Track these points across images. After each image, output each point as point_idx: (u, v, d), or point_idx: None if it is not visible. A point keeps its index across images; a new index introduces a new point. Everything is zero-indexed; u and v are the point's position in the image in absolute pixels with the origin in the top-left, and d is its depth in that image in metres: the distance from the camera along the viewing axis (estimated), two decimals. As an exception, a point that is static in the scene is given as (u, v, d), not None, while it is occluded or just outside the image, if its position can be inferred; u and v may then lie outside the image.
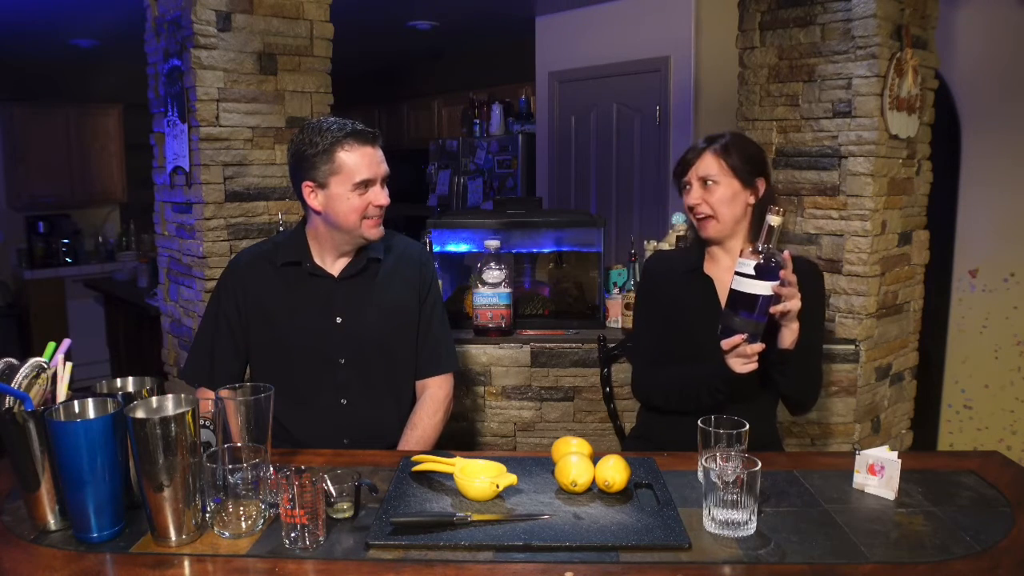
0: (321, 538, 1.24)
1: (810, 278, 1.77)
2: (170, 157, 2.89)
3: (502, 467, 1.43)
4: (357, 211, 1.77)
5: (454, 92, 6.31)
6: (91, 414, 1.27)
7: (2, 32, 5.01)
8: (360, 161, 1.76)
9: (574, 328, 2.75)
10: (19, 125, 5.89)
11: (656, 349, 1.90)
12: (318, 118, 1.94)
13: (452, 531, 1.26)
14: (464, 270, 3.06)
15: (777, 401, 1.90)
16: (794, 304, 1.63)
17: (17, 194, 6.02)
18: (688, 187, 1.83)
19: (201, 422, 1.33)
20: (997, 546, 1.23)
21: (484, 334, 2.66)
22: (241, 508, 1.25)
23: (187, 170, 2.77)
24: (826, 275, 2.46)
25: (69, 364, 1.34)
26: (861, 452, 1.46)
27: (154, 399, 1.31)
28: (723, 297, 1.77)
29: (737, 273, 1.61)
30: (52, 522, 1.28)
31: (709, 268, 1.86)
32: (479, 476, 1.39)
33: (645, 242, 2.85)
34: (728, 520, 1.25)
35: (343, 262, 1.88)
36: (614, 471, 1.38)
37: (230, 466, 1.25)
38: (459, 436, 2.64)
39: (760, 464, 1.25)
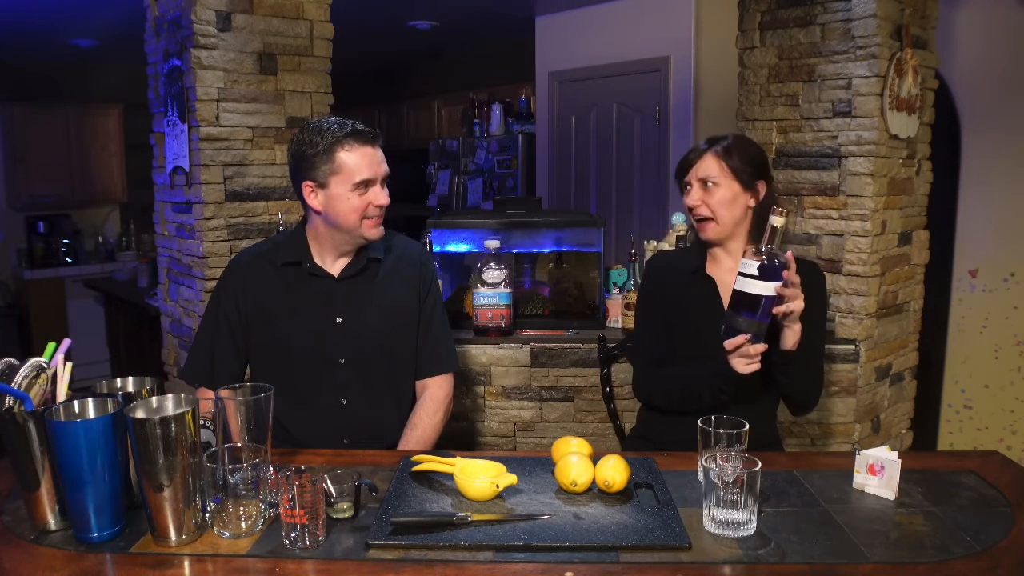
0: (321, 538, 1.24)
1: (812, 279, 1.78)
2: (170, 157, 2.89)
3: (502, 467, 1.43)
4: (357, 211, 1.78)
5: (454, 92, 6.31)
6: (91, 414, 1.27)
7: (2, 32, 5.01)
8: (360, 161, 1.76)
9: (574, 328, 2.75)
10: (19, 125, 5.89)
11: (658, 349, 1.90)
12: (318, 118, 1.94)
13: (452, 531, 1.26)
14: (464, 270, 3.06)
15: (778, 401, 1.91)
16: (797, 305, 1.63)
17: (17, 194, 6.02)
18: (689, 188, 1.83)
19: (201, 422, 1.33)
20: (997, 546, 1.23)
21: (484, 334, 2.66)
22: (241, 508, 1.25)
23: (187, 170, 2.77)
24: (826, 275, 2.46)
25: (69, 364, 1.34)
26: (861, 452, 1.46)
27: (154, 399, 1.31)
28: (725, 298, 1.77)
29: (740, 274, 1.61)
30: (52, 522, 1.28)
31: (711, 269, 1.86)
32: (479, 476, 1.39)
33: (645, 242, 2.84)
34: (728, 520, 1.25)
35: (343, 262, 1.88)
36: (614, 471, 1.38)
37: (230, 466, 1.25)
38: (459, 436, 2.64)
39: (760, 464, 1.25)
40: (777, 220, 1.58)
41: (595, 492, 1.42)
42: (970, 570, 1.16)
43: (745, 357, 1.65)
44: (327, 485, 1.30)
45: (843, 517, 1.33)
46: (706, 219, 1.80)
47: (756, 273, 1.58)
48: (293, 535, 1.22)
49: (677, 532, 1.26)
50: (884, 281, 2.65)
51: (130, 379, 1.46)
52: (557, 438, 1.55)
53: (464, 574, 1.17)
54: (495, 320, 2.64)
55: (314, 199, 1.79)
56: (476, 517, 1.30)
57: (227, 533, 1.25)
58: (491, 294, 2.62)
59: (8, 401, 1.27)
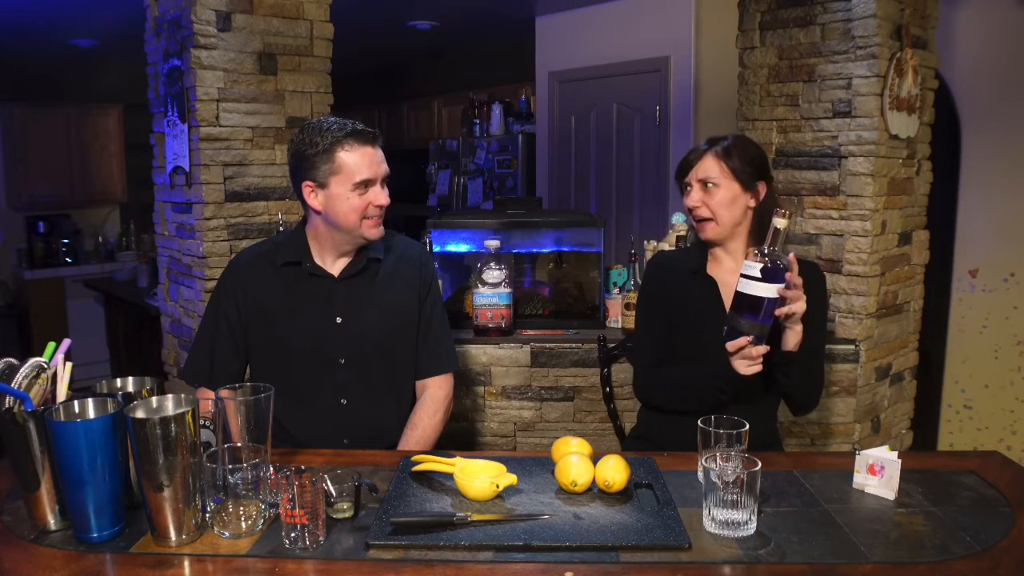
0: (321, 538, 1.24)
1: (813, 279, 1.77)
2: (170, 157, 2.89)
3: (502, 467, 1.43)
4: (357, 211, 1.78)
5: (454, 92, 6.31)
6: (91, 414, 1.27)
7: (2, 32, 5.01)
8: (360, 161, 1.76)
9: (574, 328, 2.75)
10: (19, 125, 5.89)
11: (658, 349, 1.90)
12: (318, 118, 1.94)
13: (452, 531, 1.26)
14: (464, 270, 3.06)
15: (779, 401, 1.91)
16: (799, 307, 1.63)
17: (17, 194, 6.02)
18: (689, 189, 1.83)
19: (201, 422, 1.33)
20: (997, 546, 1.23)
21: (484, 334, 2.66)
22: (241, 508, 1.25)
23: (187, 170, 2.77)
24: (826, 275, 2.46)
25: (69, 364, 1.34)
26: (861, 452, 1.46)
27: (154, 399, 1.31)
28: (726, 298, 1.77)
29: (743, 276, 1.61)
30: (52, 522, 1.28)
31: (712, 269, 1.86)
32: (479, 476, 1.39)
33: (645, 242, 2.84)
34: (728, 520, 1.25)
35: (343, 262, 1.88)
36: (614, 471, 1.38)
37: (230, 466, 1.25)
38: (459, 436, 2.64)
39: (760, 464, 1.25)
40: (780, 222, 1.58)
41: (595, 492, 1.42)
42: (970, 570, 1.16)
43: (747, 359, 1.65)
44: (327, 485, 1.30)
45: (843, 517, 1.33)
46: (706, 220, 1.80)
47: (759, 275, 1.58)
48: (293, 535, 1.22)
49: (677, 532, 1.26)
50: (884, 281, 2.65)
51: (130, 379, 1.46)
52: (557, 438, 1.55)
53: (464, 574, 1.17)
54: (495, 320, 2.64)
55: (314, 199, 1.79)
56: (476, 517, 1.30)
57: (227, 533, 1.25)
58: (491, 294, 2.62)
59: (8, 401, 1.27)
